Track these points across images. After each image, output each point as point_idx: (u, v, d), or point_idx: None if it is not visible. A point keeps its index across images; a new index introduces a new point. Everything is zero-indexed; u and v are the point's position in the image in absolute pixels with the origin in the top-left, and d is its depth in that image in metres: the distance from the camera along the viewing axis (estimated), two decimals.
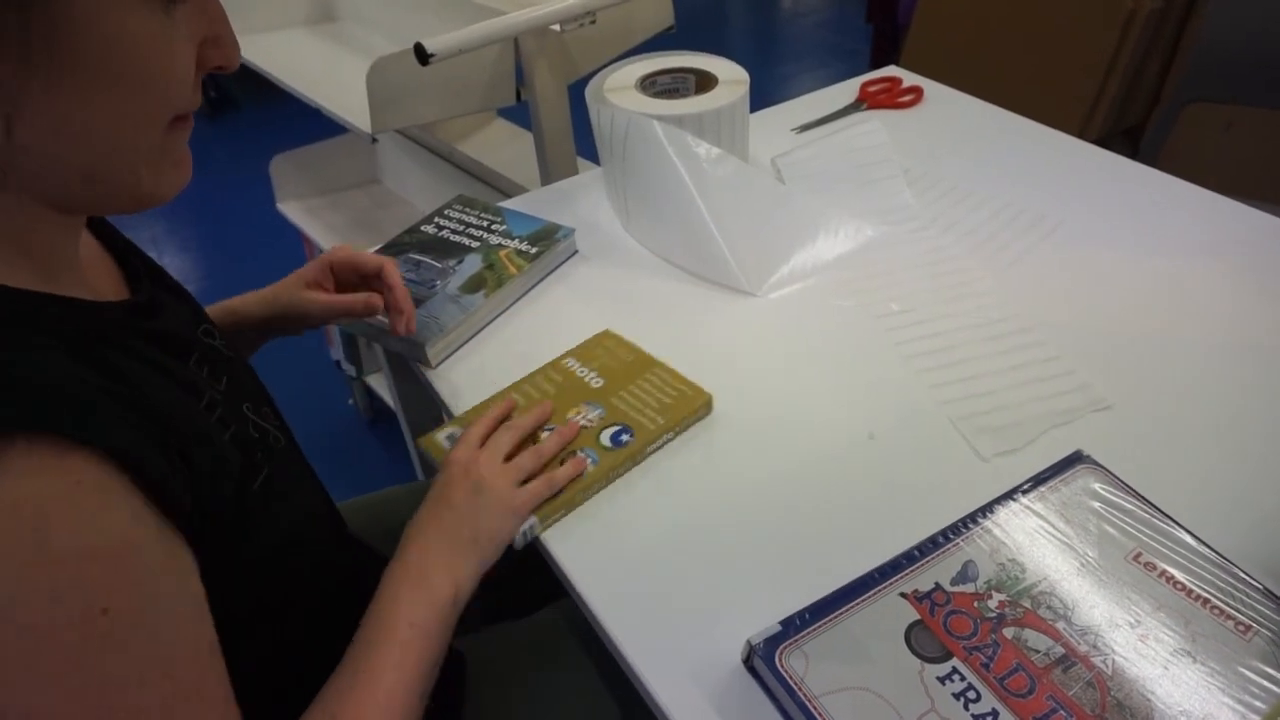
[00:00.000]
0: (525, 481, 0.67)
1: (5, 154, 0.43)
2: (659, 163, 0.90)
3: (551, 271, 0.95)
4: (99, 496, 0.41)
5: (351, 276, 0.81)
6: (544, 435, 0.72)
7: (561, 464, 0.69)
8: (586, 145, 1.33)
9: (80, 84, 0.43)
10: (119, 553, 0.41)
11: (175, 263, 2.49)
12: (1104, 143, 1.92)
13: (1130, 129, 2.21)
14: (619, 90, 0.98)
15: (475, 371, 0.83)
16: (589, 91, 0.99)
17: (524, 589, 0.91)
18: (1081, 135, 2.04)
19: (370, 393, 1.88)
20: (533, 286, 0.93)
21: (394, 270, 0.79)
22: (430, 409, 1.15)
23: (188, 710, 0.44)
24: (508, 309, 0.90)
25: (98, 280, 0.55)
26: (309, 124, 1.70)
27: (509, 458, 0.68)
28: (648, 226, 0.97)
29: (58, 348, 0.43)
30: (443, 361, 0.84)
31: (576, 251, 0.98)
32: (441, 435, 0.74)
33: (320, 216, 1.78)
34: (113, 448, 0.41)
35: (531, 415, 0.73)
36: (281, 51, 1.64)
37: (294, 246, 2.00)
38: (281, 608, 0.56)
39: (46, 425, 0.39)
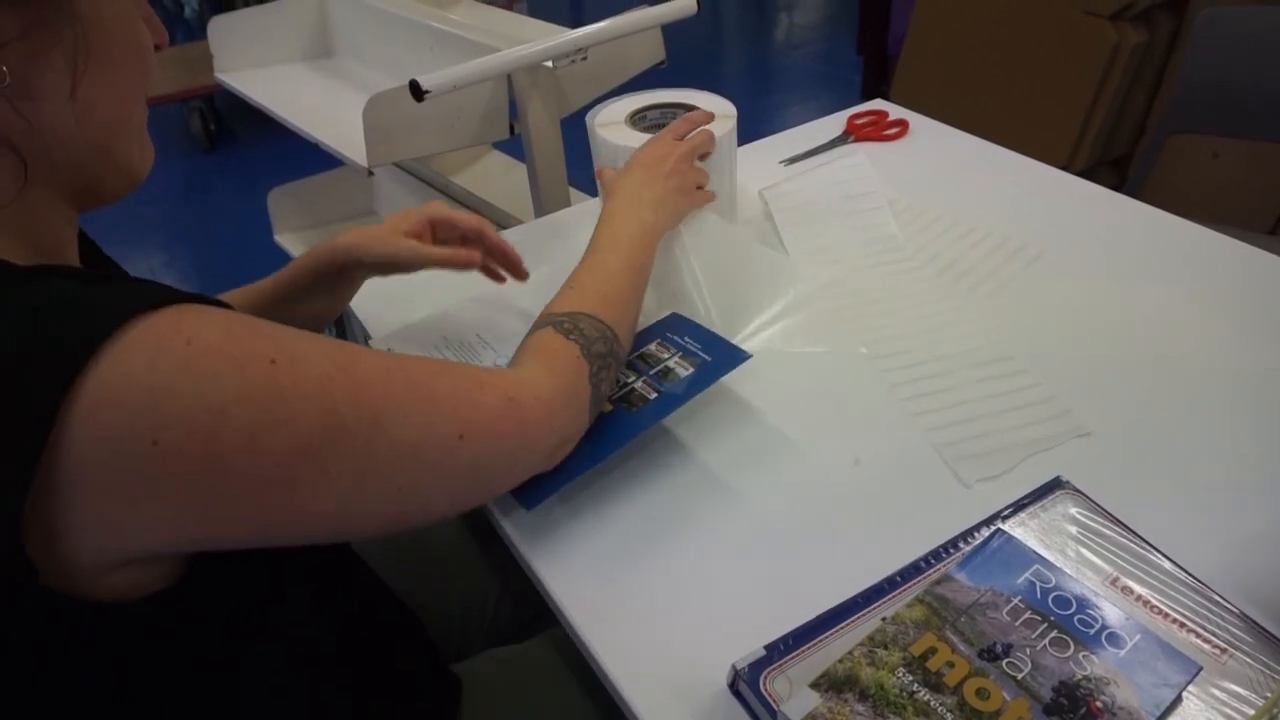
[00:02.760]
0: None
1: (41, 136, 0.48)
2: None
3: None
4: (197, 308, 0.46)
5: (450, 235, 0.88)
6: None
7: None
8: (579, 177, 1.35)
9: (99, 61, 0.49)
10: (244, 323, 0.47)
11: None
12: (1091, 173, 1.94)
13: (1117, 159, 2.24)
14: (609, 125, 1.01)
15: None
16: (589, 122, 1.01)
17: (516, 617, 0.92)
18: (1069, 166, 2.08)
19: None
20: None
21: (493, 231, 0.87)
22: None
23: (365, 372, 0.50)
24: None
25: None
26: (306, 157, 1.72)
27: None
28: None
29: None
30: None
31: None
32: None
33: None
34: (182, 299, 0.46)
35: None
36: (280, 86, 1.67)
37: None
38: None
39: (140, 304, 0.43)
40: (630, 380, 0.76)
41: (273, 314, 0.83)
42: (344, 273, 0.86)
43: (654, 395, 0.74)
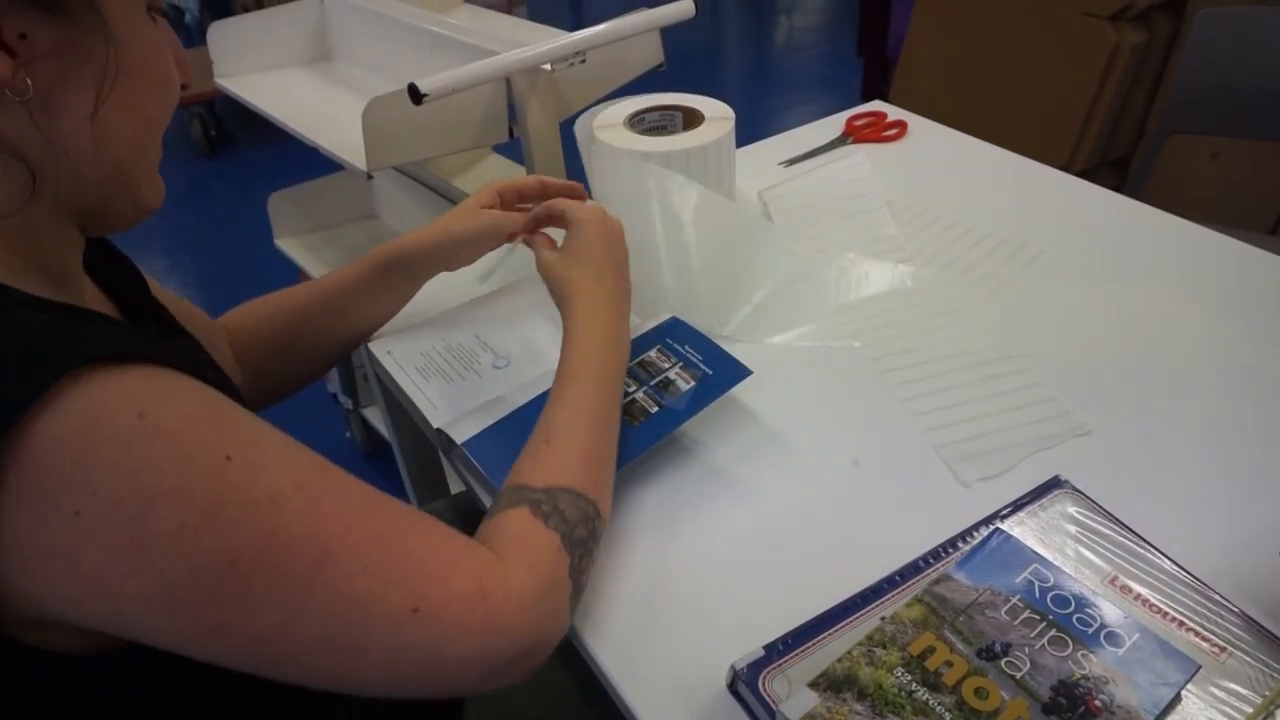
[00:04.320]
0: None
1: (54, 152, 0.48)
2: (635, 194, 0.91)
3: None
4: (171, 379, 0.44)
5: (515, 199, 0.86)
6: None
7: None
8: (578, 179, 1.35)
9: (125, 85, 0.49)
10: (215, 411, 0.45)
11: None
12: (1091, 174, 1.94)
13: (1117, 160, 2.24)
14: (608, 128, 1.01)
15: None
16: (578, 128, 1.01)
17: None
18: (1069, 167, 2.08)
19: (366, 425, 1.90)
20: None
21: (550, 179, 0.86)
22: (425, 441, 1.16)
23: (332, 503, 0.47)
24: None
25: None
26: (306, 161, 1.73)
27: None
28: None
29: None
30: None
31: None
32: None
33: (318, 252, 1.80)
34: (159, 360, 0.45)
35: None
36: (279, 91, 1.67)
37: (292, 282, 2.01)
38: None
39: (102, 353, 0.42)
40: (631, 390, 0.75)
41: (328, 312, 0.87)
42: (410, 273, 0.86)
43: (655, 409, 0.74)
